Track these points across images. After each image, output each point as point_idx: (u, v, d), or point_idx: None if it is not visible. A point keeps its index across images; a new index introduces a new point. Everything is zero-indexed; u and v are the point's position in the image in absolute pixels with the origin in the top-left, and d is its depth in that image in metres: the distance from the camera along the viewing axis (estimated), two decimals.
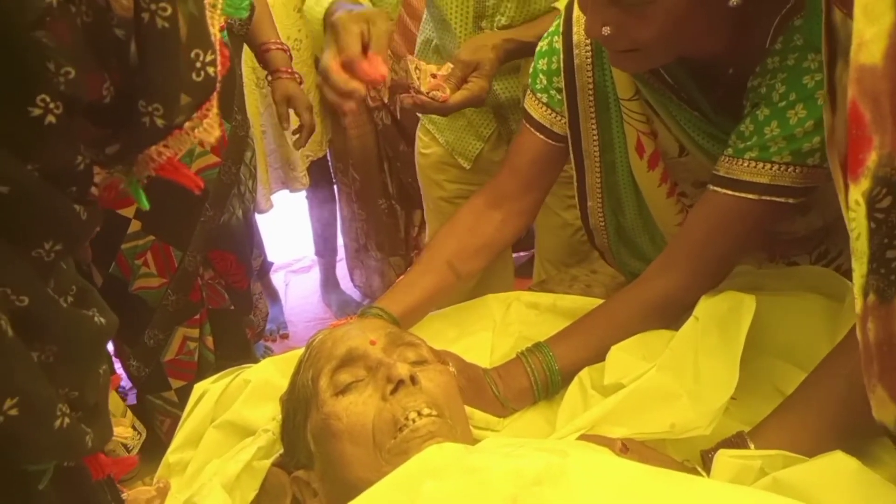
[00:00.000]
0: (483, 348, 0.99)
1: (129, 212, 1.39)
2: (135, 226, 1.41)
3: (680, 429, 0.75)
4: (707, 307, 0.84)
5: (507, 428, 0.88)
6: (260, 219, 2.28)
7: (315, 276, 2.70)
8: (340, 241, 2.52)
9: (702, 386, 0.78)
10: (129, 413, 1.54)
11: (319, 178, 2.29)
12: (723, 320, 0.81)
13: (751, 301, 0.82)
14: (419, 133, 1.57)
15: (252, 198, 1.69)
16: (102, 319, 0.49)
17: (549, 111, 1.02)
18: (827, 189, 0.92)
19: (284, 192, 2.23)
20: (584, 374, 0.86)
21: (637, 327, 0.88)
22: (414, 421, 0.68)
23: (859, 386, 0.67)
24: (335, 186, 2.40)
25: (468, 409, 0.85)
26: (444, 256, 1.01)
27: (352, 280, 2.55)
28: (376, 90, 2.00)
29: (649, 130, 0.95)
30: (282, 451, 0.79)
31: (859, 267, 0.54)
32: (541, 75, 1.02)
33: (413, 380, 0.71)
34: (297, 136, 1.58)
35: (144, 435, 1.55)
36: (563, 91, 0.99)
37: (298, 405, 0.76)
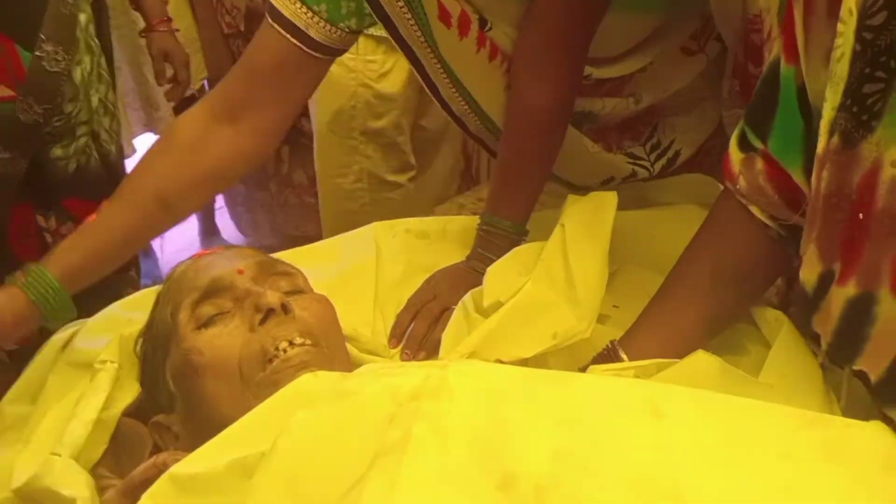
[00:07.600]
0: (368, 274, 0.94)
1: None
2: None
3: (562, 337, 0.74)
4: (572, 212, 0.84)
5: (396, 354, 0.84)
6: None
7: (191, 225, 2.54)
8: None
9: (577, 290, 0.77)
10: None
11: None
12: (588, 221, 0.82)
13: (612, 197, 0.83)
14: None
15: (112, 139, 1.52)
16: None
17: (305, 9, 0.80)
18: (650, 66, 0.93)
19: (149, 136, 2.05)
20: (468, 297, 0.83)
21: (530, 140, 0.89)
22: (285, 351, 0.62)
23: (723, 275, 0.66)
24: None
25: (355, 331, 0.82)
26: (151, 189, 0.80)
27: (237, 226, 2.42)
28: (231, 16, 1.83)
29: None
30: (135, 393, 0.72)
31: (832, 97, 0.48)
32: None
33: (285, 308, 0.65)
34: (171, 86, 1.52)
35: None
36: None
37: (157, 343, 0.69)
